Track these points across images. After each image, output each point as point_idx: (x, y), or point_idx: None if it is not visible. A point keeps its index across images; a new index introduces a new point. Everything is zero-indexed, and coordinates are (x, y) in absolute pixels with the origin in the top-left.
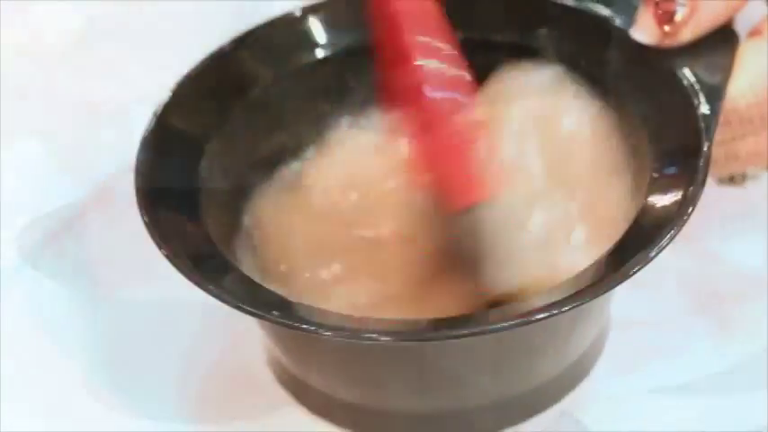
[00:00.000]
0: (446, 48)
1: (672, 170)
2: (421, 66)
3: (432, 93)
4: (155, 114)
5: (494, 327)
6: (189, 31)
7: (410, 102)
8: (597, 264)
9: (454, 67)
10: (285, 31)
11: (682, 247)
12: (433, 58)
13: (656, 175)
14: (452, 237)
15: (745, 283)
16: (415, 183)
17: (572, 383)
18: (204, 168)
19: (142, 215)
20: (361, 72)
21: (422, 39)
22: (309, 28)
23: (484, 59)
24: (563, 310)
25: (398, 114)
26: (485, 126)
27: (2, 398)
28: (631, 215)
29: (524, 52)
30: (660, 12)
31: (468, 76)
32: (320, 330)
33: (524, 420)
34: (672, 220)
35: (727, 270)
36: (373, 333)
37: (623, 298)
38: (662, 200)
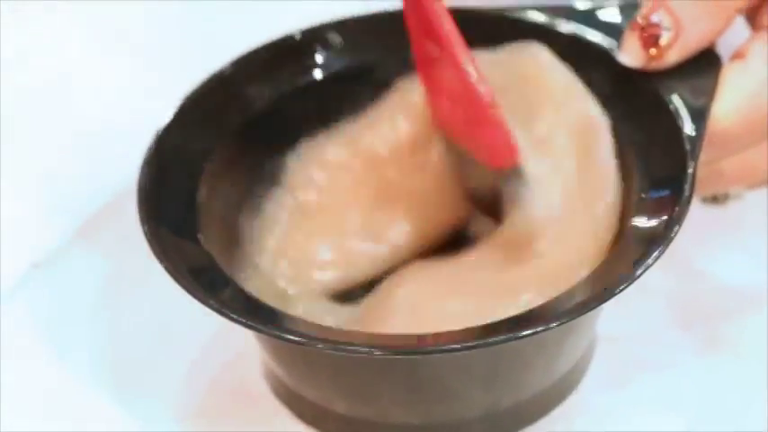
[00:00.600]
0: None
1: (658, 190)
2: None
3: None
4: (156, 135)
5: (482, 342)
6: (190, 51)
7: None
8: (585, 281)
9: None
10: (284, 53)
11: (668, 264)
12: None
13: (643, 194)
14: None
15: (729, 299)
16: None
17: (560, 397)
18: (203, 186)
19: (144, 231)
20: (357, 93)
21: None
22: (309, 50)
23: None
24: (550, 326)
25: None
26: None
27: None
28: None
29: None
30: (645, 35)
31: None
32: (310, 342)
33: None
34: (658, 238)
35: (712, 287)
36: (362, 346)
37: (611, 313)
38: (649, 219)
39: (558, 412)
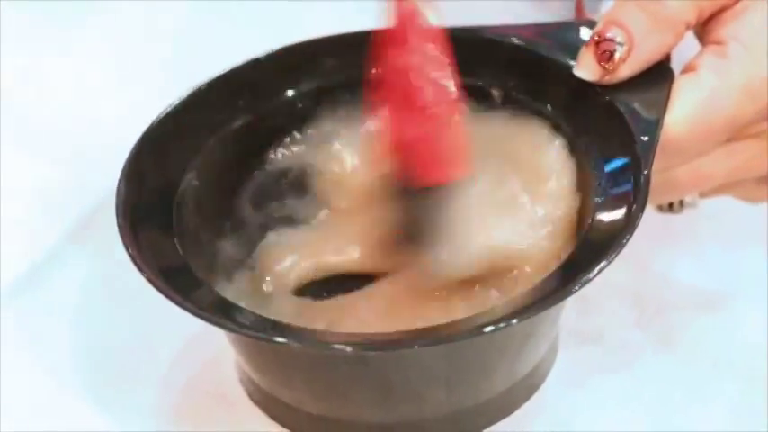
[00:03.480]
0: (441, 59)
1: (613, 196)
2: (413, 53)
3: (418, 79)
4: (133, 149)
5: (443, 338)
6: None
7: (396, 83)
8: (542, 283)
9: (444, 74)
10: (265, 69)
11: (626, 266)
12: (426, 56)
13: (599, 200)
14: (411, 216)
15: (684, 298)
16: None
17: (525, 396)
18: (182, 192)
19: (120, 231)
20: (334, 109)
21: (420, 40)
22: (288, 67)
23: None
24: (511, 323)
25: (381, 98)
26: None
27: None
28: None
29: (475, 91)
30: (600, 51)
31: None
32: (275, 338)
33: (479, 431)
34: (613, 242)
35: (669, 287)
36: (328, 343)
37: (572, 315)
38: (605, 223)
39: (521, 412)
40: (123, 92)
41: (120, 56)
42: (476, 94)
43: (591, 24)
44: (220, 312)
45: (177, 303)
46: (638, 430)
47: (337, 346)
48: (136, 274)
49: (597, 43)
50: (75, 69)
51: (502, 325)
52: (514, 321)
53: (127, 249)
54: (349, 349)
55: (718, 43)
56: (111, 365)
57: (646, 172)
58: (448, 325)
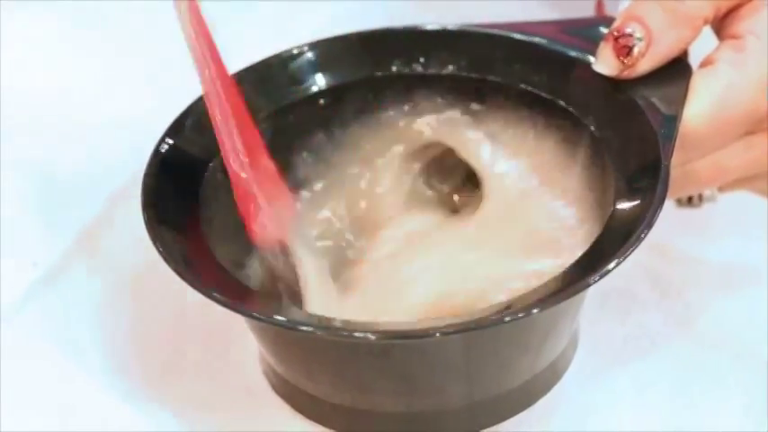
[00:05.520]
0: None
1: (633, 190)
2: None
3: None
4: (156, 147)
5: (463, 327)
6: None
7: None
8: (562, 275)
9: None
10: (279, 68)
11: (654, 261)
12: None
13: (618, 194)
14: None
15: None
16: None
17: (546, 387)
18: (206, 183)
19: (144, 219)
20: (348, 108)
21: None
22: (302, 66)
23: (463, 93)
24: (529, 313)
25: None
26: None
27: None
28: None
29: (497, 89)
30: (619, 46)
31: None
32: (300, 327)
33: (499, 422)
34: (632, 235)
35: (697, 276)
36: (351, 331)
37: (593, 310)
38: (625, 216)
39: (543, 402)
40: (123, 92)
41: (121, 56)
42: (497, 91)
43: (610, 22)
44: (245, 301)
45: (203, 293)
46: (656, 421)
47: (360, 334)
48: (158, 268)
49: (616, 38)
50: (75, 69)
51: (520, 315)
52: (520, 315)
53: (154, 242)
54: (372, 337)
55: (736, 37)
56: (135, 360)
57: (665, 165)
58: (470, 315)
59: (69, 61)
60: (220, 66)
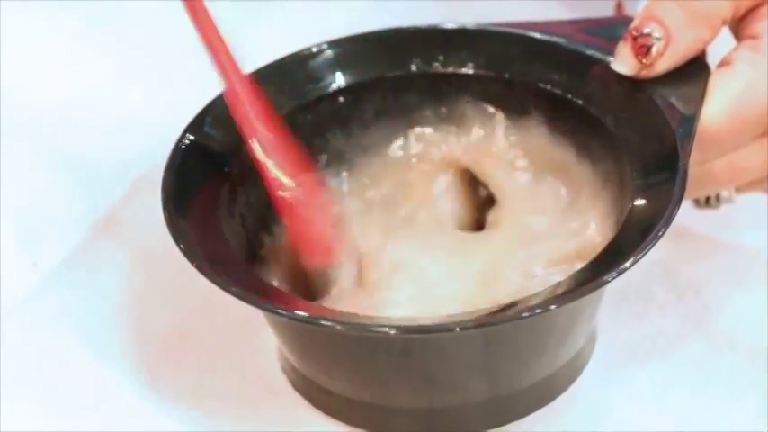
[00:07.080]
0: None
1: (651, 189)
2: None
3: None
4: (179, 140)
5: (482, 322)
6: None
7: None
8: (579, 272)
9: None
10: (298, 66)
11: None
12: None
13: (636, 193)
14: None
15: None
16: None
17: (565, 384)
18: (224, 186)
19: (164, 216)
20: (367, 107)
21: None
22: (321, 65)
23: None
24: (547, 309)
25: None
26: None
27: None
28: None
29: (514, 87)
30: (637, 46)
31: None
32: (320, 321)
33: (518, 419)
34: (649, 234)
35: (715, 277)
36: (376, 326)
37: (611, 309)
38: (642, 215)
39: (561, 400)
40: (124, 91)
41: (135, 54)
42: (515, 90)
43: (629, 21)
44: (265, 297)
45: (224, 288)
46: (675, 421)
47: (380, 328)
48: (176, 263)
49: (635, 38)
50: (89, 68)
51: (538, 311)
52: (538, 311)
53: (175, 240)
54: (392, 332)
55: (754, 38)
56: (152, 356)
57: (683, 164)
58: (489, 309)
59: (83, 60)
60: (233, 63)
